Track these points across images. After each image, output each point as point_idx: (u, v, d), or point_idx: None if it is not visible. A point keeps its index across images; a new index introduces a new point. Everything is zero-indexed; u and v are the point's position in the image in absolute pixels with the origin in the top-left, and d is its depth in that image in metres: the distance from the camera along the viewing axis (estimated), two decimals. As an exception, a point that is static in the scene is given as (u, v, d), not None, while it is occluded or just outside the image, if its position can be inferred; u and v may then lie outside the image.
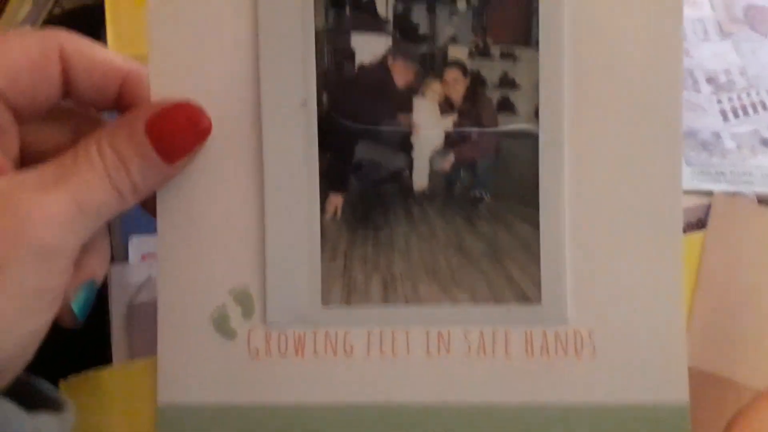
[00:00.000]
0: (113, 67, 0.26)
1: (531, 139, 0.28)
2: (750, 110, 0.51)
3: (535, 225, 0.28)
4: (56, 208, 0.23)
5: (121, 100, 0.27)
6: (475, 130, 0.28)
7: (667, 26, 0.28)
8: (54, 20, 0.50)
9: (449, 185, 0.28)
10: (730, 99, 0.51)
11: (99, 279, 0.27)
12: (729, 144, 0.49)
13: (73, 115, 0.27)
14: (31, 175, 0.23)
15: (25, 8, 0.51)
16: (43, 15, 0.50)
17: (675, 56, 0.28)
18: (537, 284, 0.28)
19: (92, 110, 0.28)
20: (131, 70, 0.26)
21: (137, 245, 0.34)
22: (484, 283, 0.28)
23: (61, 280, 0.24)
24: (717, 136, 0.50)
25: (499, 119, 0.28)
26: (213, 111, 0.26)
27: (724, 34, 0.53)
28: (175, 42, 0.26)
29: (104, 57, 0.26)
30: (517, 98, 0.28)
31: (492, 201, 0.28)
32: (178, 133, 0.25)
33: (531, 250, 0.28)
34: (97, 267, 0.27)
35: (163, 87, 0.26)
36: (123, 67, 0.26)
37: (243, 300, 0.28)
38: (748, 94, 0.51)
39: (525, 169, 0.28)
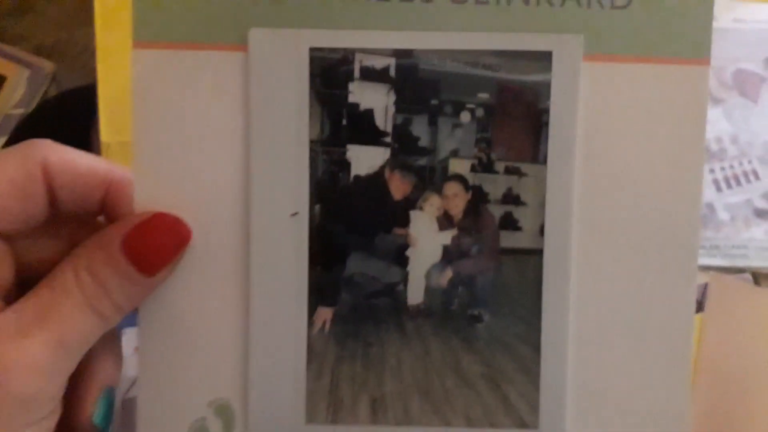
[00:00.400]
0: (97, 176, 0.25)
1: (535, 258, 0.26)
2: (742, 180, 0.50)
3: (536, 348, 0.27)
4: (38, 354, 0.22)
5: (106, 209, 0.26)
6: (475, 246, 0.27)
7: (688, 148, 0.26)
8: (49, 102, 0.50)
9: (446, 302, 0.27)
10: (722, 168, 0.50)
11: (116, 383, 0.27)
12: (723, 216, 0.49)
13: (66, 222, 0.27)
14: (9, 318, 0.23)
15: (19, 92, 0.52)
16: (37, 98, 0.51)
17: (694, 179, 0.26)
18: (535, 410, 0.27)
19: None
20: (115, 178, 0.26)
21: (131, 338, 0.34)
22: (480, 406, 0.27)
23: (48, 424, 0.23)
24: (711, 207, 0.49)
25: (502, 236, 0.27)
26: (199, 219, 0.26)
27: (714, 100, 0.52)
28: (160, 148, 0.26)
29: (88, 166, 0.25)
30: (522, 215, 0.27)
31: (491, 320, 0.27)
32: (156, 246, 0.24)
33: (530, 374, 0.27)
34: (111, 371, 0.26)
35: (148, 196, 0.25)
36: (107, 176, 0.26)
37: (224, 414, 0.27)
38: (740, 163, 0.51)
39: (527, 289, 0.27)
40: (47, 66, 0.53)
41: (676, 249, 0.26)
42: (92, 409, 0.25)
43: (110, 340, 0.27)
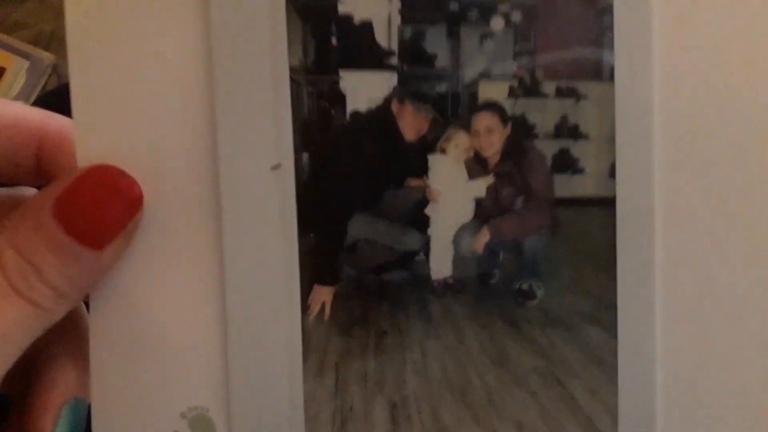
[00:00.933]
0: (28, 126, 0.20)
1: (604, 210, 0.20)
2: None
3: (611, 330, 0.21)
4: None
5: (41, 171, 0.21)
6: (520, 197, 0.20)
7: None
8: (49, 94, 0.50)
9: (483, 274, 0.22)
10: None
11: (84, 393, 0.22)
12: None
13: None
14: None
15: (19, 83, 0.51)
16: (38, 90, 0.51)
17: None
18: (613, 413, 0.21)
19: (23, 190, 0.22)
20: (51, 130, 0.21)
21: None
22: (536, 410, 0.21)
23: None
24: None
25: (556, 182, 0.21)
26: (156, 178, 0.21)
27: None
28: (105, 88, 0.21)
29: (15, 115, 0.20)
30: (583, 152, 0.21)
31: (546, 296, 0.21)
32: (99, 209, 0.19)
33: (604, 366, 0.21)
34: (75, 380, 0.22)
35: (92, 149, 0.20)
36: (41, 126, 0.21)
37: (201, 426, 0.21)
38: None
39: (595, 252, 0.21)
40: (47, 57, 0.53)
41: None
42: (53, 425, 0.21)
43: (73, 342, 0.22)
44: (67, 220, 0.19)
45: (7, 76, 0.51)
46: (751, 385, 0.20)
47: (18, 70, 0.51)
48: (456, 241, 0.21)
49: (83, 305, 0.23)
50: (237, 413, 0.21)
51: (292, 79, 0.20)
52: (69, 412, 0.22)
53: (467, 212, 0.21)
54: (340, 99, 0.21)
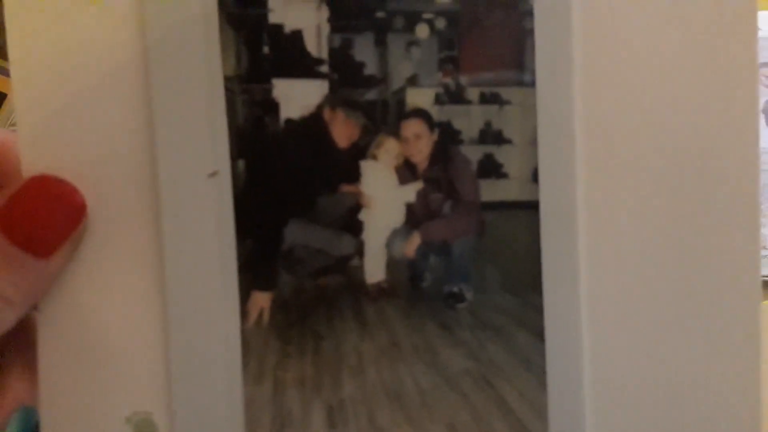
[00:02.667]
0: None
1: (528, 213, 0.20)
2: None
3: (538, 332, 0.21)
4: None
5: None
6: (448, 202, 0.21)
7: (733, 53, 0.19)
8: None
9: (415, 278, 0.22)
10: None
11: (34, 403, 0.23)
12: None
13: None
14: None
15: None
16: None
17: (747, 98, 0.19)
18: (542, 414, 0.21)
19: None
20: None
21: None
22: (467, 411, 0.22)
23: None
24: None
25: (482, 186, 0.21)
26: (99, 187, 0.21)
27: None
28: (48, 99, 0.21)
29: None
30: (507, 157, 0.21)
31: (475, 299, 0.22)
32: (42, 217, 0.20)
33: (533, 367, 0.21)
34: (27, 389, 0.23)
35: (37, 160, 0.21)
36: None
37: (145, 430, 0.22)
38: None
39: (521, 255, 0.21)
40: (48, 83, 0.53)
41: (725, 187, 0.19)
42: (3, 425, 0.21)
43: (25, 351, 0.23)
44: (11, 230, 0.20)
45: (8, 101, 0.51)
46: (678, 386, 0.20)
47: (19, 95, 0.52)
48: (389, 245, 0.21)
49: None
50: (179, 417, 0.21)
51: (226, 88, 0.21)
52: (18, 419, 0.22)
53: (399, 217, 0.21)
54: (274, 107, 0.21)
